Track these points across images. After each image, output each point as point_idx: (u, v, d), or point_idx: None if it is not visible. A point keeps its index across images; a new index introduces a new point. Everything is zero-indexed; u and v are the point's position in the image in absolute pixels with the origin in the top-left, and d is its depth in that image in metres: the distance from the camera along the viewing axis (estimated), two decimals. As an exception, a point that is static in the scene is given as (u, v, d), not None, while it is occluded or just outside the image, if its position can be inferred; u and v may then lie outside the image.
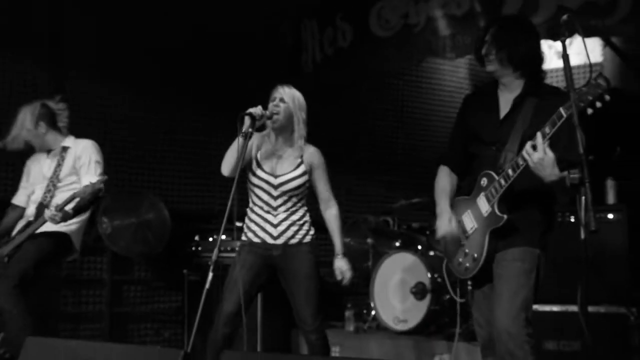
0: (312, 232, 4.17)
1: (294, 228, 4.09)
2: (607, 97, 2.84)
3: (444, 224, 3.41)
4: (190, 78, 6.70)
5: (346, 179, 7.70)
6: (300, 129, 4.18)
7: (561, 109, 2.93)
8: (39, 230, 4.67)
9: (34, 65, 6.33)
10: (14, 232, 4.82)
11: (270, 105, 4.10)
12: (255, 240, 4.09)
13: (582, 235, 2.74)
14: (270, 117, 4.01)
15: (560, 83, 3.35)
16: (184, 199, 6.86)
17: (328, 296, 7.03)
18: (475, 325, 3.49)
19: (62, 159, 4.83)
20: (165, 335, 6.81)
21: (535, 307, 4.41)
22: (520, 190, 3.16)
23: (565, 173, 2.99)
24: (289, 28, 7.25)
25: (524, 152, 3.01)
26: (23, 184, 5.02)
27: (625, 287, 4.47)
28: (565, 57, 2.93)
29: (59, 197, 4.69)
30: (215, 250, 3.52)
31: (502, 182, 3.15)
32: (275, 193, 4.08)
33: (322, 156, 4.27)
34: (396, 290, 5.88)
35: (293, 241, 4.09)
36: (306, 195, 4.21)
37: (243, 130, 3.79)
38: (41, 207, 4.74)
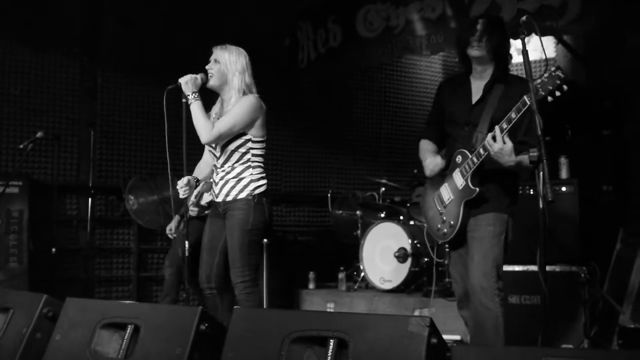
0: (250, 188, 3.65)
1: (230, 185, 3.67)
2: (565, 87, 2.85)
3: (431, 162, 3.38)
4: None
5: (337, 160, 7.73)
6: (235, 85, 3.69)
7: (513, 111, 2.98)
8: None
9: (68, 60, 6.32)
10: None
11: (207, 67, 3.71)
12: (213, 199, 3.81)
13: (541, 205, 2.73)
14: (203, 80, 3.65)
15: (521, 75, 3.35)
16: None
17: (324, 261, 7.10)
18: (452, 281, 3.50)
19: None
20: (183, 296, 6.81)
21: (501, 267, 4.45)
22: (490, 167, 3.16)
23: (524, 157, 2.98)
24: (287, 30, 7.22)
25: (485, 143, 3.05)
26: None
27: (577, 249, 4.49)
28: (524, 52, 2.93)
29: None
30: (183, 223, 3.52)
31: (475, 159, 3.17)
32: (217, 153, 3.72)
33: (248, 101, 3.66)
34: (382, 254, 5.89)
35: (228, 198, 3.67)
36: (252, 154, 3.71)
37: (183, 100, 3.62)
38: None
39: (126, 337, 2.76)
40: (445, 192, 3.34)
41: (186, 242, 3.63)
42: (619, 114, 5.84)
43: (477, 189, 3.17)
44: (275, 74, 7.08)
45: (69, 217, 6.28)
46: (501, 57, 3.28)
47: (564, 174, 4.92)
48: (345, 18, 6.61)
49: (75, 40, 6.37)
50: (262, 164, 3.77)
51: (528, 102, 2.92)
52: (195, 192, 4.46)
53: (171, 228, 5.03)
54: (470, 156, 3.19)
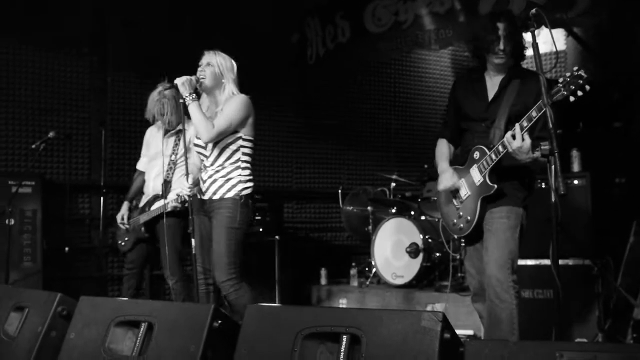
0: (238, 188, 3.70)
1: (217, 184, 3.72)
2: (588, 88, 2.86)
3: (447, 179, 3.40)
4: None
5: (347, 155, 7.72)
6: (228, 89, 3.77)
7: (534, 110, 2.97)
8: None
9: (77, 60, 6.34)
10: (143, 202, 4.68)
11: (198, 70, 3.77)
12: (200, 197, 3.83)
13: (553, 199, 2.72)
14: (197, 81, 3.71)
15: (531, 68, 3.33)
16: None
17: (334, 257, 7.11)
18: (467, 275, 3.51)
19: (179, 139, 4.59)
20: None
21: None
22: (508, 163, 3.18)
23: (537, 154, 2.99)
24: (295, 27, 7.22)
25: (504, 140, 3.07)
26: (144, 152, 4.84)
27: (590, 243, 4.46)
28: (535, 45, 2.92)
29: (177, 173, 4.53)
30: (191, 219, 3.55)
31: (493, 156, 3.18)
32: (207, 153, 3.76)
33: (241, 100, 3.73)
34: (393, 250, 5.88)
35: (215, 197, 3.72)
36: (242, 152, 3.76)
37: (180, 100, 3.66)
38: (166, 183, 4.60)
39: (140, 334, 2.77)
40: (462, 187, 3.35)
41: (193, 240, 3.62)
42: (629, 107, 5.80)
43: (495, 186, 3.19)
44: (284, 71, 7.09)
45: (82, 216, 6.31)
46: (518, 55, 3.28)
47: (576, 167, 4.89)
48: (353, 14, 6.60)
49: (84, 41, 6.39)
50: (250, 166, 3.80)
51: (536, 114, 2.94)
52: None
53: (123, 215, 4.74)
54: (488, 153, 3.20)
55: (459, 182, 3.36)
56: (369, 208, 6.49)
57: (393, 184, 6.51)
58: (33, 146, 5.33)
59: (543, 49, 3.22)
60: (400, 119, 8.12)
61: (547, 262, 4.18)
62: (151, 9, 6.51)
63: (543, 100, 2.83)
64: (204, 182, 3.79)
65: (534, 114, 2.99)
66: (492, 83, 3.34)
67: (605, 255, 4.37)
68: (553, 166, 2.70)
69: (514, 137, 3.02)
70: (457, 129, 3.49)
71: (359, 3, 6.52)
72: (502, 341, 2.86)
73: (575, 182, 4.60)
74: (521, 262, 4.44)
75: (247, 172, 3.77)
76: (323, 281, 6.43)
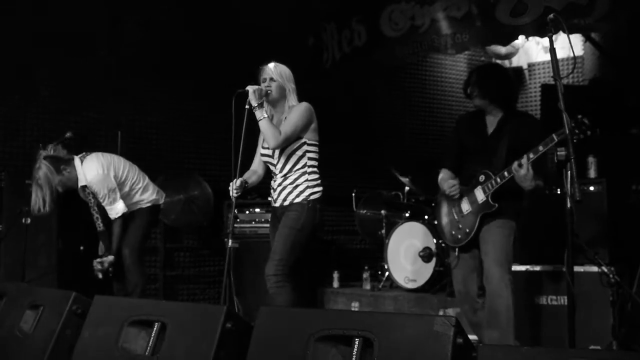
0: (306, 193, 3.84)
1: (287, 191, 3.87)
2: (589, 133, 3.13)
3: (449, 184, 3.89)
4: (230, 79, 6.73)
5: (361, 159, 7.70)
6: (291, 99, 3.96)
7: (541, 145, 3.33)
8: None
9: (95, 62, 6.39)
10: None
11: (263, 86, 3.90)
12: (272, 204, 4.00)
13: (568, 205, 2.71)
14: (266, 95, 3.87)
15: (548, 74, 3.35)
16: (224, 178, 6.87)
17: (346, 260, 7.09)
18: (455, 282, 3.94)
19: (88, 195, 4.90)
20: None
21: (527, 267, 4.45)
22: (506, 187, 3.61)
23: (539, 182, 3.50)
24: (307, 29, 7.22)
25: (512, 168, 3.47)
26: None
27: (605, 249, 4.44)
28: (552, 50, 2.92)
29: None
30: (232, 222, 3.79)
31: (499, 180, 3.62)
32: (274, 161, 3.92)
33: (303, 106, 3.92)
34: (406, 254, 5.87)
35: (285, 203, 3.87)
36: (308, 157, 3.92)
37: (246, 106, 3.76)
38: (101, 234, 5.08)
39: (153, 334, 2.78)
40: (465, 204, 3.83)
41: (230, 241, 3.66)
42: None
43: (497, 205, 3.66)
44: (299, 75, 7.08)
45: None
46: (499, 99, 3.80)
47: (592, 173, 4.86)
48: (369, 18, 6.59)
49: (101, 42, 6.43)
50: (317, 170, 3.95)
51: (556, 139, 3.23)
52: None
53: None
54: (493, 177, 3.65)
55: (462, 199, 3.83)
56: (382, 212, 6.47)
57: (407, 188, 6.49)
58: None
59: (560, 54, 3.23)
60: (415, 123, 8.11)
61: (561, 268, 4.16)
62: (167, 11, 6.55)
63: (560, 106, 2.84)
64: (274, 190, 3.95)
65: (540, 148, 3.34)
66: (491, 122, 3.85)
67: (621, 262, 4.35)
68: (569, 172, 2.70)
69: (520, 165, 3.41)
70: (457, 159, 3.98)
71: (376, 7, 6.51)
72: (515, 347, 2.86)
73: (592, 188, 4.58)
74: (536, 267, 4.44)
75: (314, 176, 3.93)
76: (335, 284, 6.42)
